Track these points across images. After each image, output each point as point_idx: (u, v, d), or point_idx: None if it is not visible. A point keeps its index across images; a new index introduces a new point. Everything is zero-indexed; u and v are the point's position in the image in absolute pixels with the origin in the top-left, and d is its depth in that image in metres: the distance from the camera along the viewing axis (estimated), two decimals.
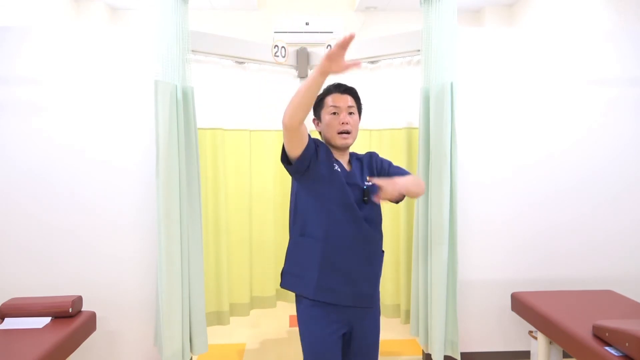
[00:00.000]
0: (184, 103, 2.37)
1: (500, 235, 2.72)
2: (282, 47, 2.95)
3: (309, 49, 3.07)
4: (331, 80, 1.73)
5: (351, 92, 1.78)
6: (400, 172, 1.84)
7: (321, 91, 1.77)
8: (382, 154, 2.85)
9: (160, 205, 2.25)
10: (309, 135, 1.64)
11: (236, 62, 2.85)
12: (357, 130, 1.78)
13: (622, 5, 3.65)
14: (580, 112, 2.72)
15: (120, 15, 5.41)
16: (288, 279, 1.76)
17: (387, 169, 1.82)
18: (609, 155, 2.73)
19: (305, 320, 1.70)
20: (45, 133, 2.49)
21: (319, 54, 3.03)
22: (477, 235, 2.71)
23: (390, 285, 2.91)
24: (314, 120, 1.84)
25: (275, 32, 5.16)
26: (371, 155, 1.87)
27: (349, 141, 1.73)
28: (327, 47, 2.97)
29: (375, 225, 1.75)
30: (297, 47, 3.06)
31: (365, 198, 1.70)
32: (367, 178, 1.75)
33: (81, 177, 2.51)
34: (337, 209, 1.67)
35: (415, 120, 2.76)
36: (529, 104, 2.72)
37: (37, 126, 2.48)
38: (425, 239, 2.53)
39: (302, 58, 3.04)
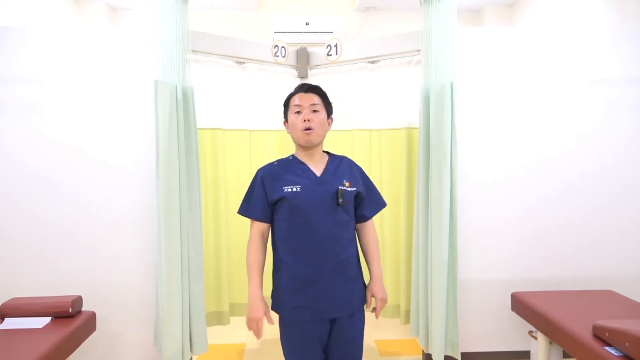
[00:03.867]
0: (184, 103, 2.37)
1: (500, 235, 2.72)
2: (282, 47, 2.95)
3: (309, 49, 3.07)
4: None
5: (316, 90, 1.80)
6: (375, 195, 1.88)
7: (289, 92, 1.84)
8: (382, 154, 2.89)
9: (160, 205, 2.25)
10: (257, 187, 1.79)
11: (236, 62, 2.85)
12: (323, 128, 1.78)
13: (622, 5, 3.65)
14: (580, 112, 2.72)
15: (120, 15, 5.41)
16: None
17: (365, 194, 1.83)
18: (609, 155, 2.73)
19: None
20: (46, 133, 2.49)
21: (319, 54, 3.03)
22: (477, 235, 2.71)
23: (390, 285, 2.91)
24: (284, 122, 1.85)
25: (275, 32, 5.16)
26: (351, 165, 1.88)
27: (311, 137, 1.73)
28: (327, 47, 2.97)
29: (342, 228, 1.76)
30: (297, 47, 3.06)
31: (340, 199, 1.72)
32: (346, 183, 1.77)
33: (81, 177, 2.51)
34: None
35: (415, 120, 2.76)
36: (529, 104, 2.71)
37: (37, 126, 2.48)
38: (425, 239, 2.53)
39: (302, 58, 3.04)
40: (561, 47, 2.72)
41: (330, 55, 2.96)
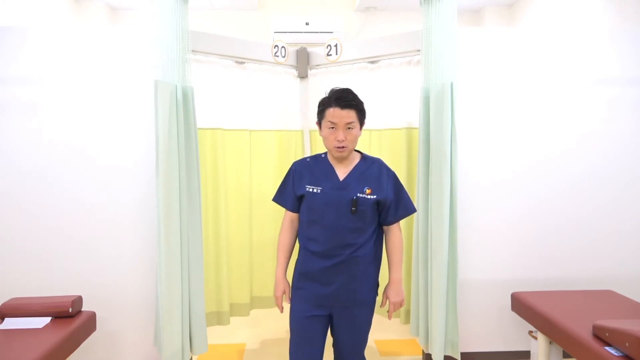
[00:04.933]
0: (184, 103, 2.37)
1: (500, 235, 2.72)
2: (282, 47, 2.95)
3: (309, 49, 3.07)
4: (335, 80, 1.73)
5: (353, 106, 1.78)
6: (404, 202, 1.90)
7: (325, 97, 1.84)
8: (382, 154, 2.89)
9: (160, 205, 2.25)
10: (290, 180, 1.92)
11: (236, 62, 2.85)
12: (355, 142, 1.83)
13: (622, 5, 3.65)
14: (581, 112, 2.72)
15: (120, 15, 5.41)
16: None
17: (391, 200, 1.86)
18: (609, 156, 2.73)
19: None
20: (45, 133, 2.49)
21: (319, 54, 3.03)
22: (477, 235, 2.71)
23: None
24: (317, 122, 1.89)
25: (275, 32, 5.16)
26: (381, 169, 1.89)
27: (344, 154, 1.82)
28: (327, 47, 2.97)
29: (355, 233, 1.81)
30: (297, 47, 3.06)
31: (354, 208, 1.78)
32: (367, 190, 1.81)
33: (81, 177, 2.51)
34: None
35: (415, 120, 2.75)
36: (529, 104, 2.71)
37: (37, 126, 2.48)
38: (425, 239, 2.53)
39: (302, 58, 3.04)
40: (561, 47, 2.71)
41: (330, 55, 2.96)
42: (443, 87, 2.41)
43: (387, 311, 1.95)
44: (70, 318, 2.17)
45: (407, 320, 2.85)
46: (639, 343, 1.62)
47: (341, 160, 1.86)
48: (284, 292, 1.93)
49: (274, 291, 1.95)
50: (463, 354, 2.69)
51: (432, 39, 2.45)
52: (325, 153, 1.92)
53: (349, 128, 1.77)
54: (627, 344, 1.67)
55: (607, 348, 1.76)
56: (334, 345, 1.94)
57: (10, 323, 2.09)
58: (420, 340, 2.59)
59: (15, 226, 2.47)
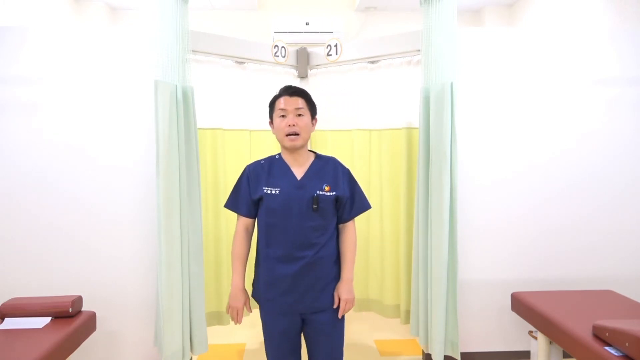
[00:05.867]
0: (184, 103, 2.37)
1: (500, 235, 2.72)
2: (282, 47, 2.95)
3: (309, 49, 3.07)
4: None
5: (301, 94, 1.83)
6: (359, 199, 1.90)
7: (274, 94, 1.88)
8: (382, 154, 2.89)
9: (160, 205, 2.25)
10: (244, 184, 1.86)
11: (236, 62, 2.85)
12: (308, 131, 1.83)
13: (622, 5, 3.65)
14: (581, 112, 2.72)
15: (120, 15, 5.41)
16: None
17: (347, 197, 1.86)
18: (609, 156, 2.73)
19: None
20: (45, 133, 2.49)
21: (319, 54, 3.02)
22: (477, 235, 2.71)
23: (390, 285, 2.91)
24: (269, 122, 1.90)
25: (275, 32, 5.16)
26: (336, 167, 1.89)
27: (297, 142, 1.79)
28: (327, 47, 2.97)
29: (317, 232, 1.80)
30: (297, 47, 3.06)
31: (315, 206, 1.77)
32: (325, 188, 1.81)
33: (81, 177, 2.51)
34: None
35: (415, 120, 2.76)
36: (529, 104, 2.71)
37: (37, 126, 2.48)
38: (425, 239, 2.53)
39: (302, 58, 3.04)
40: (561, 47, 2.71)
41: (330, 55, 2.96)
42: (443, 87, 2.41)
43: (337, 310, 1.85)
44: (70, 318, 2.17)
45: (407, 320, 2.85)
46: (639, 343, 1.62)
47: (296, 158, 1.84)
48: (245, 304, 1.85)
49: (231, 302, 1.83)
50: (463, 354, 2.69)
51: (432, 39, 2.45)
52: (279, 154, 1.90)
53: (299, 115, 1.79)
54: (627, 344, 1.67)
55: (607, 348, 1.75)
56: (308, 353, 1.89)
57: (10, 323, 2.09)
58: (420, 340, 2.59)
59: (15, 226, 2.47)
